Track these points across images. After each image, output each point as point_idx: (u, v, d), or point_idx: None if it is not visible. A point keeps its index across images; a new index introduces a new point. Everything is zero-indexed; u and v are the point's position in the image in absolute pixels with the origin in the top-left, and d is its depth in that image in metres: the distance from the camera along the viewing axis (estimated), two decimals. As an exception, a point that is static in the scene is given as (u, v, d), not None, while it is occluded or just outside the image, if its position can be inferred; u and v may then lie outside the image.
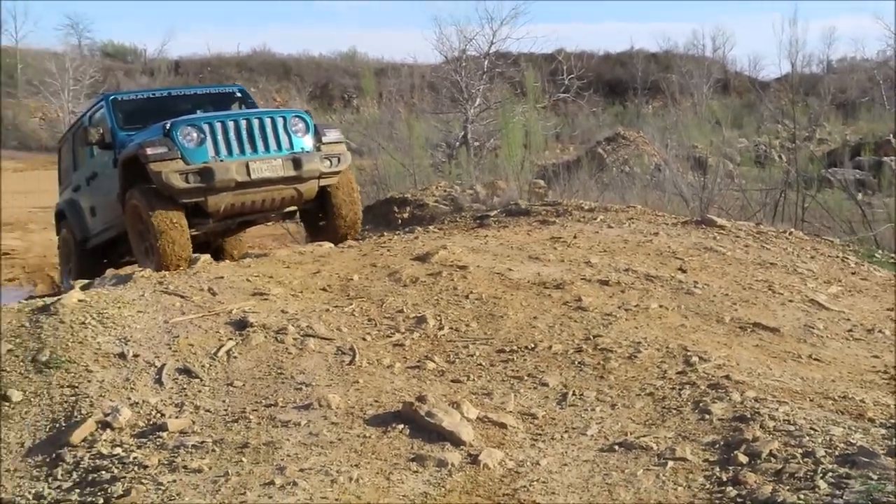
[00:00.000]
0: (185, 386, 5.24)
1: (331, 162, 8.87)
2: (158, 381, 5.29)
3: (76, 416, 4.94)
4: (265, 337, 5.80)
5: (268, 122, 8.67)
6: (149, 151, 8.25)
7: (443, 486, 3.99)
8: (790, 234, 9.13)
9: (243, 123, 8.57)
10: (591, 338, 5.73)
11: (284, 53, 57.36)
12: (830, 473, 3.76)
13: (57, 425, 4.93)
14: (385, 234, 9.61)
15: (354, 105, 43.39)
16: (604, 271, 7.13)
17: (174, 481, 4.12)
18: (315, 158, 8.72)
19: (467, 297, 6.51)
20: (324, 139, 8.96)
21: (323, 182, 8.91)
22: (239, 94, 10.59)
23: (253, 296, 6.61)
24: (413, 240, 8.81)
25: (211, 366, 5.46)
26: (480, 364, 5.44)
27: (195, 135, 8.39)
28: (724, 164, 28.62)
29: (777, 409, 4.55)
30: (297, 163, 8.60)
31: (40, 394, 5.23)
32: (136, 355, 5.59)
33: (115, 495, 4.06)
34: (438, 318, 6.13)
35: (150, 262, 8.42)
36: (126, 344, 5.72)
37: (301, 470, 4.12)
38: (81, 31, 59.42)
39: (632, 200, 11.99)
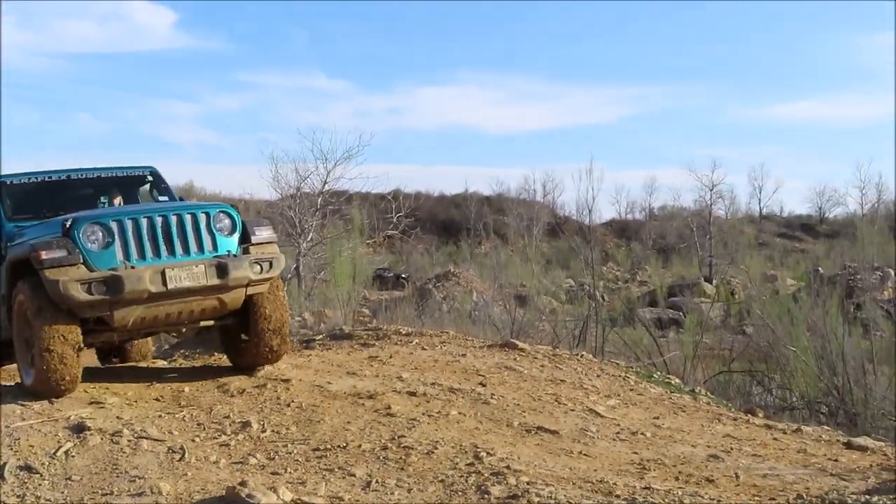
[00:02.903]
0: (25, 480, 5.75)
1: (261, 267, 7.68)
2: (0, 477, 5.80)
3: (-80, 508, 5.39)
4: (101, 439, 6.38)
5: (188, 219, 7.53)
6: (44, 255, 7.02)
7: (258, 551, 4.70)
8: (581, 356, 10.31)
9: (159, 221, 7.41)
10: (396, 438, 6.56)
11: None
12: (574, 530, 4.71)
13: None
14: (215, 353, 10.15)
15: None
16: (413, 385, 8.02)
17: (19, 554, 4.68)
18: (244, 263, 7.54)
19: (289, 405, 7.27)
20: (253, 238, 7.88)
21: (251, 290, 7.75)
22: (150, 178, 9.20)
23: (90, 404, 7.18)
24: (241, 359, 9.47)
25: (51, 463, 6.00)
26: (297, 460, 6.17)
27: (101, 235, 7.21)
28: (549, 301, 30.49)
29: (544, 489, 5.48)
30: (222, 269, 7.41)
31: None
32: (-24, 455, 6.07)
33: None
34: (262, 422, 6.85)
35: (31, 373, 7.33)
36: (-32, 445, 6.20)
37: (135, 541, 4.76)
38: None
39: (449, 329, 13.01)
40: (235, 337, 8.36)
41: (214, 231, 7.62)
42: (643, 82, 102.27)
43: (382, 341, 10.44)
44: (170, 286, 7.21)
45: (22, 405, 7.06)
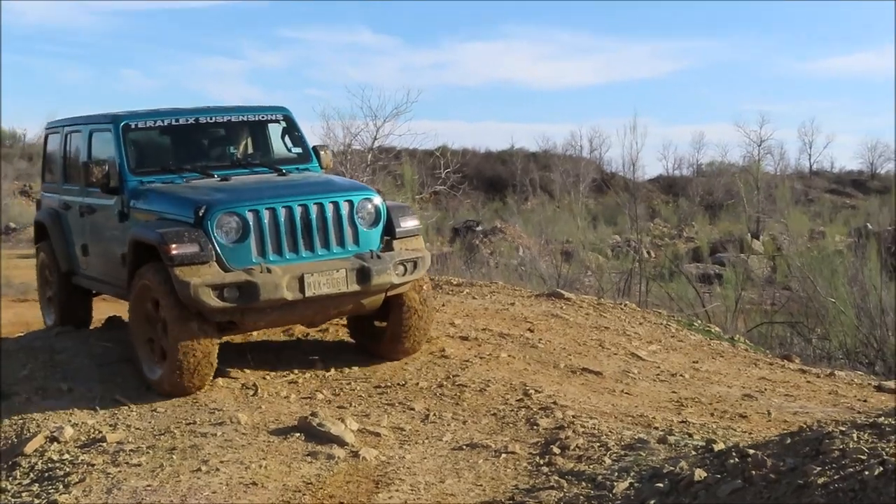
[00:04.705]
0: (116, 412, 6.39)
1: (405, 269, 6.95)
2: (93, 408, 6.43)
3: (25, 434, 6.03)
4: (181, 376, 6.96)
5: (330, 209, 6.81)
6: (174, 250, 6.34)
7: (331, 470, 5.27)
8: (625, 305, 10.74)
9: (298, 211, 6.72)
10: (451, 377, 7.08)
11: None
12: (615, 454, 5.21)
13: (9, 441, 6.02)
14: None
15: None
16: (465, 330, 8.53)
17: (119, 471, 5.28)
18: (387, 267, 6.81)
19: (350, 347, 7.81)
20: (397, 231, 7.10)
21: (391, 292, 7.09)
22: (284, 123, 8.39)
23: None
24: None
25: (137, 397, 6.62)
26: (360, 396, 6.73)
27: (236, 226, 6.57)
28: (595, 256, 30.84)
29: (588, 422, 5.98)
30: (363, 275, 6.72)
31: (-9, 419, 6.32)
32: (71, 389, 6.73)
33: (71, 483, 5.19)
34: (325, 362, 7.41)
35: (158, 370, 6.71)
36: (64, 381, 6.85)
37: (221, 461, 5.34)
38: (-45, 116, 58.73)
39: (497, 280, 13.49)
40: (367, 321, 7.68)
41: (357, 222, 6.94)
42: (692, 36, 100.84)
43: (434, 291, 10.92)
44: (307, 293, 6.58)
45: (106, 346, 7.69)
